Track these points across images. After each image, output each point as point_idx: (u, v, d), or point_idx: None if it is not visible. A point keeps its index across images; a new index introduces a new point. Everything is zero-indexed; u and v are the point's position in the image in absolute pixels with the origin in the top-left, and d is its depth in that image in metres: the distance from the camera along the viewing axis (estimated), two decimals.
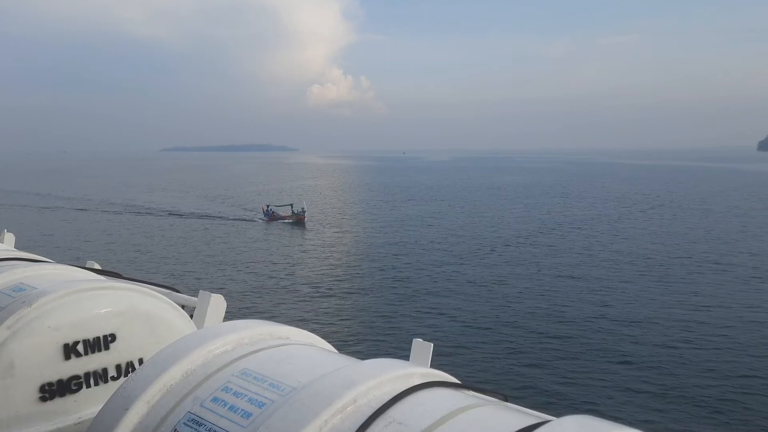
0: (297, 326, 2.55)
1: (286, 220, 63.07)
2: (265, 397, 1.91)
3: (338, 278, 37.67)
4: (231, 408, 1.91)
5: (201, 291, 3.95)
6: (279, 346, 2.30)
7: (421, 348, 2.62)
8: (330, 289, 34.86)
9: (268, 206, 67.46)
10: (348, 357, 2.30)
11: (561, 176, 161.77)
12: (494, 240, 51.62)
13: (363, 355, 2.21)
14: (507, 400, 2.11)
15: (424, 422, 1.71)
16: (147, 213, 72.38)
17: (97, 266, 4.51)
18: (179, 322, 3.49)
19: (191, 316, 3.78)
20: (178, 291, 4.11)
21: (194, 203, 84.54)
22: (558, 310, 29.75)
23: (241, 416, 1.86)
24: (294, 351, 2.26)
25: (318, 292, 34.08)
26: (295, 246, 50.14)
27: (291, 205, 66.27)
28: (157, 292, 3.61)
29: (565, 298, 32.29)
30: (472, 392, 2.08)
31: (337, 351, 2.55)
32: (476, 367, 22.32)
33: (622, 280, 36.50)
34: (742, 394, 20.09)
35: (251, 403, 1.90)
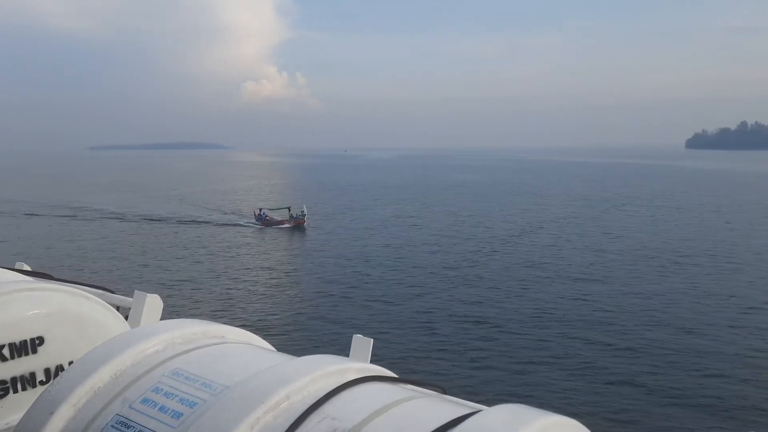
0: (238, 326, 2.51)
1: (283, 225, 59.24)
2: (197, 397, 1.89)
3: (288, 278, 37.75)
4: (161, 409, 1.88)
5: (136, 291, 3.80)
6: (213, 345, 2.26)
7: (361, 344, 2.56)
8: (277, 288, 34.87)
9: (260, 210, 63.56)
10: (285, 355, 2.27)
11: (511, 174, 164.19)
12: (448, 237, 52.34)
13: (303, 353, 2.18)
14: (445, 393, 2.13)
15: (358, 416, 1.73)
16: (101, 216, 67.71)
17: (26, 267, 4.40)
18: (113, 324, 3.36)
19: (126, 318, 3.66)
20: (112, 292, 3.97)
21: (154, 206, 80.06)
22: (498, 305, 30.71)
23: (172, 417, 1.83)
24: (229, 350, 2.23)
25: (269, 293, 34.02)
26: (280, 250, 47.94)
27: (288, 208, 62.63)
28: (90, 293, 3.48)
29: (505, 292, 33.43)
30: (410, 386, 2.10)
31: (275, 349, 2.51)
32: (419, 361, 22.77)
33: (560, 274, 37.76)
34: (674, 380, 20.99)
35: (182, 404, 1.87)
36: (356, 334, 2.59)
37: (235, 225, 61.41)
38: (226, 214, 70.40)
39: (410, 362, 22.57)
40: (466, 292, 33.41)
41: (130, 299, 3.87)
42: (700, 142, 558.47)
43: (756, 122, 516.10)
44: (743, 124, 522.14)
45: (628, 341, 25.13)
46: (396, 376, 2.14)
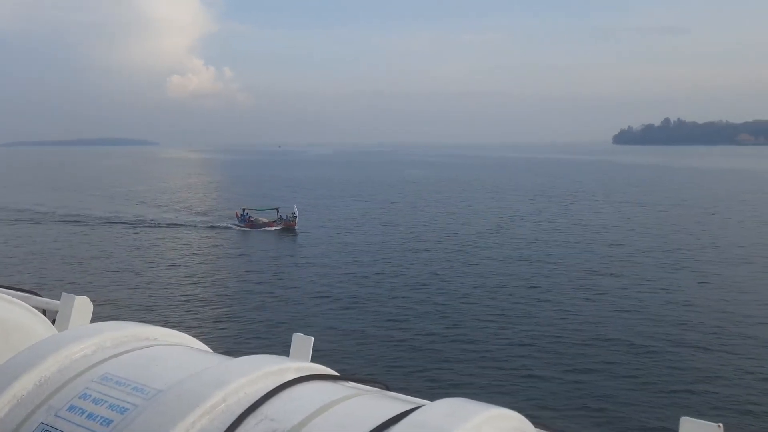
0: (174, 329, 2.47)
1: (271, 228, 54.48)
2: (128, 402, 1.82)
3: (234, 280, 36.62)
4: (89, 416, 1.80)
5: (64, 293, 3.62)
6: (145, 347, 2.19)
7: (301, 342, 2.50)
8: (220, 290, 33.99)
9: (243, 210, 58.22)
10: (221, 356, 2.22)
11: (463, 171, 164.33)
12: (393, 234, 52.01)
13: (242, 355, 2.13)
14: (388, 389, 2.12)
15: (298, 416, 1.71)
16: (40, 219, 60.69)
17: None
18: (39, 328, 3.18)
19: (54, 322, 3.47)
20: (38, 294, 3.73)
21: (97, 205, 73.03)
22: (442, 301, 31.01)
23: (101, 424, 1.77)
24: (161, 352, 2.17)
25: (211, 295, 33.04)
26: (232, 252, 44.46)
27: (277, 209, 57.57)
28: (13, 296, 3.29)
29: (447, 287, 33.78)
30: (351, 383, 2.08)
31: (212, 351, 2.45)
32: (363, 359, 22.87)
33: (501, 270, 38.45)
34: (610, 370, 21.70)
35: (112, 410, 1.81)
36: (296, 332, 2.43)
37: (213, 227, 56.06)
38: (199, 215, 64.62)
39: (355, 360, 22.62)
40: (413, 290, 33.34)
41: (58, 302, 3.63)
42: (626, 138, 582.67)
43: (678, 119, 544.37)
44: (666, 120, 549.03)
45: (567, 335, 25.77)
46: (337, 374, 2.11)
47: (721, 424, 1.57)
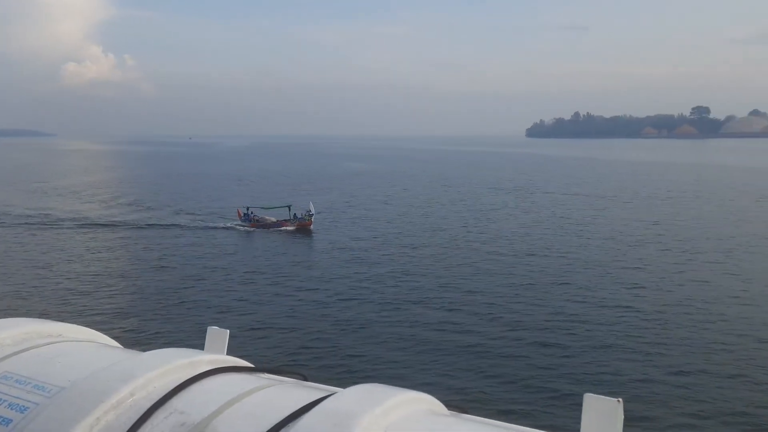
0: (82, 324, 2.42)
1: (284, 228, 50.34)
2: (28, 401, 1.78)
3: (141, 273, 36.29)
4: None
5: None
6: (49, 344, 2.14)
7: (217, 335, 2.45)
8: (128, 285, 33.55)
9: (247, 209, 53.50)
10: (131, 351, 2.20)
11: (397, 163, 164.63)
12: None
13: (155, 349, 2.13)
14: (306, 379, 2.13)
15: (208, 408, 1.71)
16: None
17: None
18: None
19: None
20: None
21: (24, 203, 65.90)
22: (358, 291, 31.81)
23: None
24: (66, 348, 2.12)
25: (129, 290, 32.57)
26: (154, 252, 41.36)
27: (289, 206, 53.12)
28: None
29: (362, 279, 34.47)
30: (267, 375, 2.09)
31: (122, 347, 2.41)
32: (285, 351, 23.29)
33: (417, 256, 40.04)
34: (523, 355, 22.85)
35: (11, 409, 1.76)
36: (211, 326, 2.39)
37: (214, 228, 51.50)
38: (192, 215, 58.92)
39: (277, 354, 22.92)
40: (336, 282, 33.80)
41: None
42: (538, 131, 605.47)
43: (587, 113, 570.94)
44: (576, 114, 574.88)
45: (481, 320, 26.97)
46: (251, 366, 2.11)
47: (620, 399, 1.65)
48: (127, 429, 1.65)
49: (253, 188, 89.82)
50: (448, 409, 1.89)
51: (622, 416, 1.65)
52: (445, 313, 28.03)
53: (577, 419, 1.63)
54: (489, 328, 25.95)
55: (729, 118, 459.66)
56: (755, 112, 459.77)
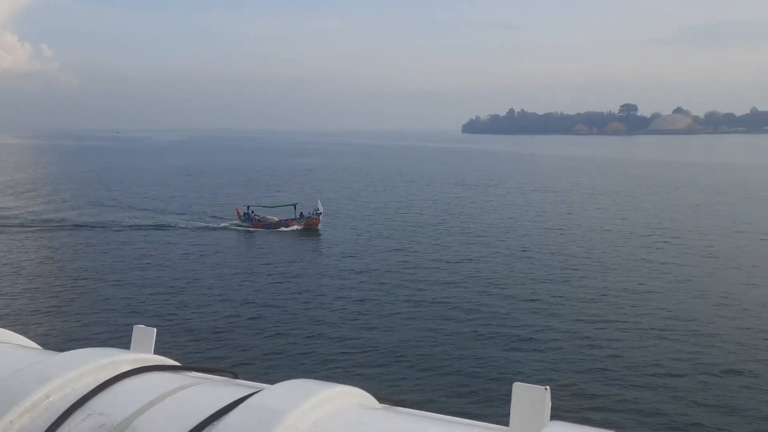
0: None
1: (290, 228, 48.72)
2: None
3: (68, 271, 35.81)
4: None
5: None
6: None
7: (143, 334, 2.36)
8: (62, 286, 32.87)
9: (248, 207, 51.50)
10: (48, 352, 2.13)
11: (350, 158, 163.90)
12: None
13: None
14: (237, 377, 2.09)
15: (130, 409, 1.66)
16: None
17: None
18: None
19: None
20: None
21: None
22: (292, 288, 32.29)
23: None
24: None
25: (50, 290, 32.05)
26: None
27: (294, 205, 51.41)
28: None
29: (290, 276, 35.09)
30: (195, 373, 2.04)
31: (40, 347, 2.34)
32: (218, 349, 23.57)
33: (349, 254, 40.89)
34: (450, 348, 23.87)
35: None
36: (137, 324, 2.34)
37: (213, 229, 49.77)
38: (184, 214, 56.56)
39: (210, 352, 22.92)
40: (280, 280, 33.96)
41: None
42: (474, 127, 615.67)
43: (522, 110, 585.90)
44: (511, 111, 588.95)
45: (410, 314, 27.86)
46: (178, 364, 2.07)
47: (547, 387, 1.67)
48: None
49: (210, 185, 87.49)
50: (381, 403, 1.87)
51: (550, 403, 1.67)
52: (380, 310, 28.51)
53: (508, 408, 1.67)
54: (421, 323, 26.60)
55: (655, 116, 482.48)
56: (679, 110, 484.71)
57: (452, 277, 34.35)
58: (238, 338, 24.86)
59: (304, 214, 50.32)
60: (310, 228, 49.17)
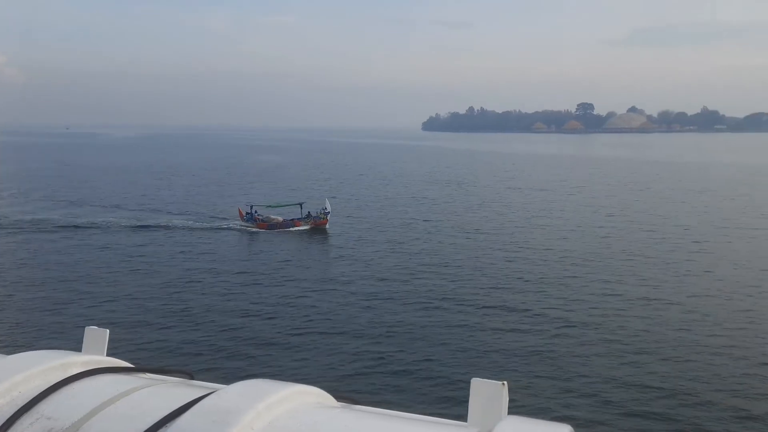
0: None
1: (296, 228, 47.40)
2: None
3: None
4: None
5: None
6: None
7: (95, 336, 2.33)
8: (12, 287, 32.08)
9: (251, 207, 49.86)
10: None
11: (316, 155, 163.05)
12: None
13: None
14: (193, 378, 2.07)
15: (79, 412, 1.62)
16: None
17: None
18: None
19: None
20: None
21: None
22: (264, 289, 32.32)
23: None
24: None
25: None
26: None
27: (300, 204, 50.10)
28: None
29: (244, 276, 34.98)
30: (149, 375, 2.02)
31: None
32: (173, 350, 23.57)
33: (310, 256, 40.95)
34: (406, 347, 24.27)
35: None
36: (89, 325, 2.31)
37: (217, 229, 48.35)
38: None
39: (168, 354, 22.87)
40: (241, 280, 33.85)
41: None
42: (434, 124, 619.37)
43: (481, 108, 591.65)
44: (471, 109, 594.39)
45: (374, 314, 28.13)
46: (131, 365, 2.04)
47: (505, 382, 1.69)
48: None
49: (180, 183, 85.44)
50: (339, 401, 1.86)
51: (507, 398, 1.69)
52: (340, 309, 28.83)
53: (467, 403, 1.68)
54: (380, 322, 26.88)
55: (610, 114, 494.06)
56: (633, 109, 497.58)
57: (419, 275, 34.71)
58: (214, 341, 24.57)
59: (311, 213, 49.19)
60: (318, 227, 47.97)
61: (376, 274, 34.83)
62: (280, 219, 49.50)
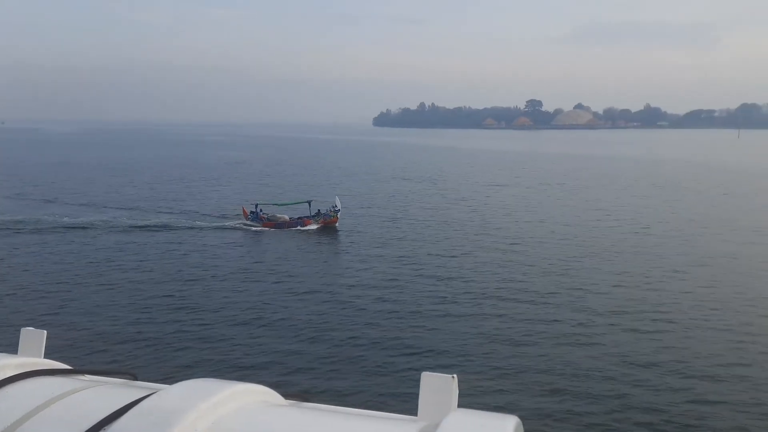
0: None
1: (307, 227, 46.32)
2: None
3: None
4: None
5: None
6: None
7: (32, 337, 2.26)
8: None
9: (256, 206, 48.34)
10: None
11: (279, 151, 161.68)
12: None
13: None
14: (137, 379, 2.04)
15: (12, 416, 1.57)
16: None
17: None
18: None
19: None
20: None
21: None
22: (217, 289, 32.21)
23: None
24: None
25: None
26: None
27: (309, 202, 48.81)
28: None
29: (189, 274, 34.58)
30: (90, 376, 1.97)
31: None
32: (121, 353, 23.31)
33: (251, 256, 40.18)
34: (358, 339, 24.72)
35: None
36: (26, 327, 2.25)
37: (219, 228, 47.06)
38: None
39: (112, 355, 22.60)
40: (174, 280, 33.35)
41: None
42: (385, 120, 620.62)
43: (432, 104, 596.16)
44: (422, 105, 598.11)
45: (323, 311, 28.18)
46: (70, 367, 1.98)
47: (455, 375, 1.70)
48: None
49: (134, 180, 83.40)
50: (287, 399, 1.85)
51: (457, 390, 1.70)
52: (284, 304, 28.94)
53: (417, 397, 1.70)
54: (329, 318, 27.15)
55: (558, 111, 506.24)
56: (579, 106, 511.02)
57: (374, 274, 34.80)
58: (162, 341, 24.19)
59: (321, 211, 48.36)
60: (327, 225, 47.30)
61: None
62: (287, 217, 48.47)
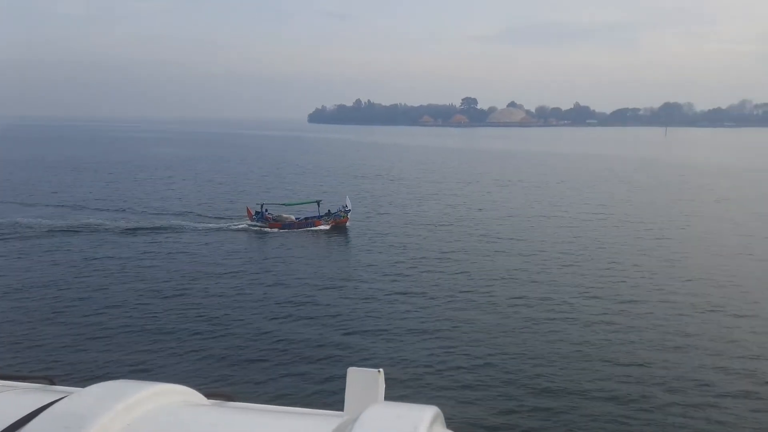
0: None
1: (317, 227, 45.42)
2: None
3: None
4: None
5: None
6: None
7: None
8: None
9: (261, 206, 47.11)
10: None
11: (214, 148, 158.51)
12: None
13: None
14: (53, 383, 1.98)
15: None
16: None
17: None
18: None
19: None
20: None
21: None
22: (130, 287, 32.10)
23: None
24: None
25: None
26: None
27: (318, 202, 47.86)
28: None
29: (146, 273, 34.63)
30: (1, 381, 1.94)
31: None
32: (38, 357, 23.11)
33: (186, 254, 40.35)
34: (285, 338, 25.11)
35: None
36: None
37: (219, 230, 45.80)
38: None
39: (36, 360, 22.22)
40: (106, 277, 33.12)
41: None
42: (320, 116, 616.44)
43: (368, 100, 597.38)
44: (358, 101, 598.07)
45: (247, 309, 28.31)
46: None
47: (381, 369, 1.73)
48: None
49: (97, 178, 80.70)
50: (210, 399, 1.83)
51: (384, 384, 1.71)
52: (206, 302, 29.15)
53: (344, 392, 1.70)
54: (254, 316, 27.12)
55: (492, 109, 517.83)
56: (512, 104, 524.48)
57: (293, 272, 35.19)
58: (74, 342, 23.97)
59: (331, 211, 47.71)
60: (338, 226, 46.66)
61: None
62: (293, 218, 47.70)
